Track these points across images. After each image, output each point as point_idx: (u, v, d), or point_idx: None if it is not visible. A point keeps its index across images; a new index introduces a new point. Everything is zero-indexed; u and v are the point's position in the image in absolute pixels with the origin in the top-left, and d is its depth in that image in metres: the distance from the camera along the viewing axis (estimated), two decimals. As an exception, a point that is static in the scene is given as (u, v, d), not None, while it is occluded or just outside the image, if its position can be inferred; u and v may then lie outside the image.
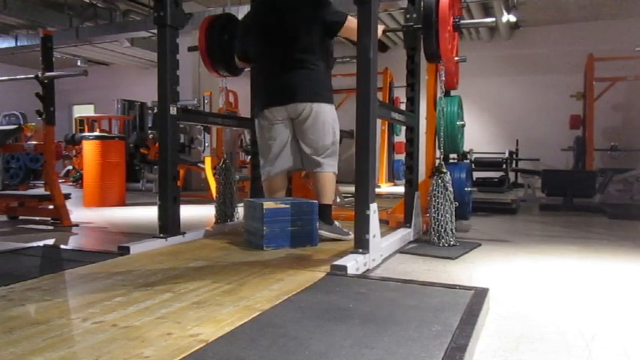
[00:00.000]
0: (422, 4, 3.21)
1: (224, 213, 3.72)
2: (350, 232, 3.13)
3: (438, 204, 3.17)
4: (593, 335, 1.62)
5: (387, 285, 2.04)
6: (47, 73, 4.19)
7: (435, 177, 3.21)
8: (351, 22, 2.90)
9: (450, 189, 3.19)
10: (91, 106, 14.52)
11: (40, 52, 4.28)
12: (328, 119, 3.08)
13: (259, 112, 3.19)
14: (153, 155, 8.27)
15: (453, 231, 3.19)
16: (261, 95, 3.21)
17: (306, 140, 3.09)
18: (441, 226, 3.16)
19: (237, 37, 3.42)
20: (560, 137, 9.29)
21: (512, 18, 8.72)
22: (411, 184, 3.47)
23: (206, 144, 6.69)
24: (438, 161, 3.66)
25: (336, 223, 3.16)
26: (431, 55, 3.24)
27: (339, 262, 2.24)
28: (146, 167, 8.49)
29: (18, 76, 4.69)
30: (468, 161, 5.76)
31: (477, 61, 8.55)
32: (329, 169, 3.11)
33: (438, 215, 3.17)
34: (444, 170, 3.21)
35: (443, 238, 3.15)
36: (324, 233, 3.02)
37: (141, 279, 2.08)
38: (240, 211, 3.60)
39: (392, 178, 9.61)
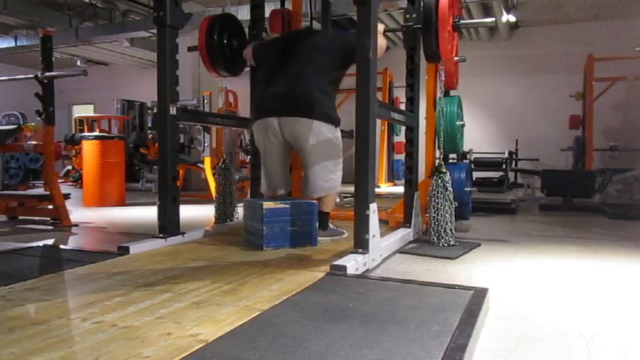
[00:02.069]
0: (421, 4, 3.21)
1: (224, 213, 3.72)
2: (345, 231, 3.16)
3: (437, 204, 3.17)
4: (593, 335, 1.62)
5: (386, 285, 2.04)
6: (47, 73, 4.18)
7: (435, 177, 3.21)
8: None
9: (450, 189, 3.19)
10: (91, 106, 14.51)
11: (39, 52, 4.28)
12: (330, 142, 2.95)
13: (254, 120, 3.10)
14: (152, 155, 8.26)
15: (453, 231, 3.19)
16: (257, 103, 3.12)
17: (307, 168, 3.01)
18: (441, 226, 3.16)
19: (238, 37, 3.52)
20: (560, 137, 9.29)
21: (512, 18, 8.74)
22: (411, 184, 3.47)
23: (206, 144, 6.69)
24: (437, 161, 3.65)
25: (331, 225, 3.19)
26: (430, 55, 3.24)
27: (339, 262, 2.24)
28: (146, 167, 8.49)
29: (17, 76, 4.69)
30: (467, 161, 5.76)
31: (476, 61, 8.55)
32: (330, 191, 3.05)
33: (437, 215, 3.17)
34: (444, 170, 3.21)
35: (442, 238, 3.15)
36: (319, 238, 3.00)
37: (140, 279, 2.08)
38: (239, 211, 3.60)
39: (391, 178, 9.62)
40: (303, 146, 2.95)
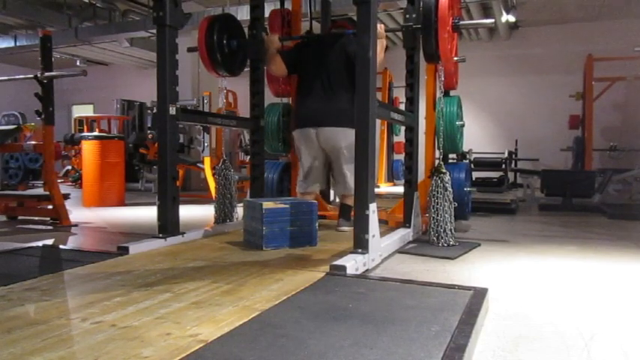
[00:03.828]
0: (421, 4, 3.20)
1: (223, 213, 3.72)
2: None
3: (437, 204, 3.17)
4: (592, 335, 1.62)
5: (386, 285, 2.04)
6: (46, 73, 4.18)
7: (435, 177, 3.22)
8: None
9: (450, 189, 3.20)
10: (91, 106, 14.52)
11: (39, 52, 4.27)
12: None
13: (294, 128, 3.55)
14: (152, 155, 8.26)
15: (452, 231, 3.19)
16: (298, 114, 3.55)
17: (338, 169, 3.43)
18: (441, 226, 3.16)
19: (237, 37, 3.62)
20: (560, 137, 9.30)
21: (512, 18, 8.73)
22: (410, 184, 3.47)
23: (205, 144, 6.69)
24: (437, 161, 3.65)
25: None
26: (430, 55, 3.24)
27: (339, 262, 2.24)
28: (145, 167, 8.48)
29: (17, 76, 4.69)
30: (467, 161, 5.77)
31: (476, 62, 8.55)
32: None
33: (437, 215, 3.17)
34: (444, 170, 3.21)
35: (442, 238, 3.15)
36: (345, 229, 3.26)
37: (140, 279, 2.08)
38: (239, 211, 3.60)
39: (391, 178, 9.60)
40: (336, 151, 3.38)
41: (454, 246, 3.12)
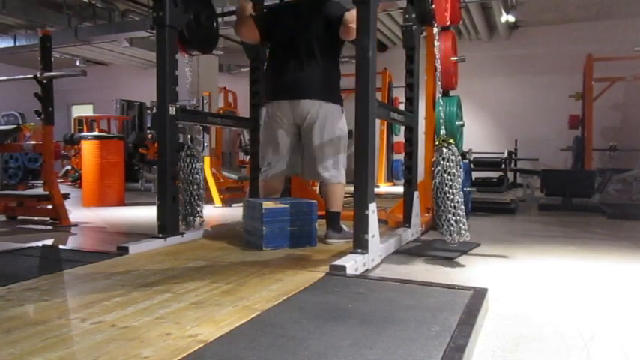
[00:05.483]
0: None
1: (182, 215, 3.25)
2: None
3: (452, 182, 2.64)
4: (592, 335, 1.62)
5: (385, 285, 2.04)
6: (46, 73, 4.18)
7: (446, 150, 2.72)
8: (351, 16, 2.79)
9: (460, 164, 2.78)
10: (90, 106, 14.51)
11: (39, 52, 4.27)
12: (336, 123, 3.00)
13: (266, 102, 3.14)
14: (152, 155, 8.27)
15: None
16: (271, 86, 3.16)
17: (310, 148, 3.01)
18: (459, 210, 2.65)
19: (206, 10, 3.41)
20: (559, 137, 9.30)
21: (512, 18, 8.74)
22: (410, 184, 3.47)
23: (205, 144, 6.69)
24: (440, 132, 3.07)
25: (345, 227, 3.07)
26: (422, 16, 2.86)
27: (338, 262, 2.24)
28: (145, 167, 8.49)
29: (17, 76, 4.69)
30: (467, 161, 5.76)
31: (476, 61, 8.54)
32: (334, 180, 3.02)
33: (454, 196, 2.64)
34: (451, 141, 2.78)
35: (461, 222, 2.66)
36: (333, 241, 2.98)
37: (140, 279, 2.08)
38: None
39: (391, 178, 9.61)
40: (308, 127, 2.99)
41: (454, 245, 3.10)
